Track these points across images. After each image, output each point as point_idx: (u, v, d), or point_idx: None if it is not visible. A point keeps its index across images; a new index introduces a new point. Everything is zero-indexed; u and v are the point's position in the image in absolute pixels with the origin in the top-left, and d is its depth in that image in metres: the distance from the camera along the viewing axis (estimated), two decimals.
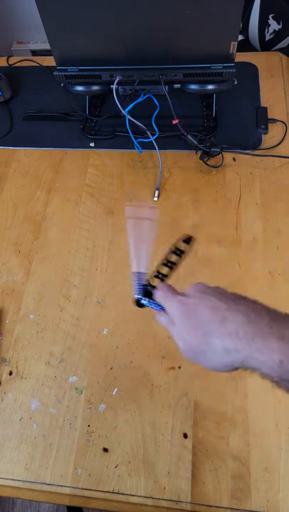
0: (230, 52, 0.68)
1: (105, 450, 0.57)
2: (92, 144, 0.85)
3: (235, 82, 0.75)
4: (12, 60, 1.01)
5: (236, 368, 0.34)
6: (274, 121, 0.83)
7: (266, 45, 1.03)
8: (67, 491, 0.55)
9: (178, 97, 0.78)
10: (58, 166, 0.84)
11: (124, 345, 0.64)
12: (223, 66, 0.70)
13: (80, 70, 0.74)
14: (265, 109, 0.84)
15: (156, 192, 0.77)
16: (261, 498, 0.52)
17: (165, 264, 0.44)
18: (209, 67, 0.71)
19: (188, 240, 0.45)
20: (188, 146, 0.78)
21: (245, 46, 1.09)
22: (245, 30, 1.06)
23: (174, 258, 0.45)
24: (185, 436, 0.57)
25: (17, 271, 0.72)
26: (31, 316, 0.68)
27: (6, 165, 0.85)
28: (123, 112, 0.72)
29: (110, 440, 0.57)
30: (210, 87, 0.75)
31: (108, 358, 0.63)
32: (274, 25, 0.98)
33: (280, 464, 0.54)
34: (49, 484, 0.56)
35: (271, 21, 0.98)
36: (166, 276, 0.44)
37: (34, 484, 0.56)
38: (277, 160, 0.78)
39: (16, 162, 0.85)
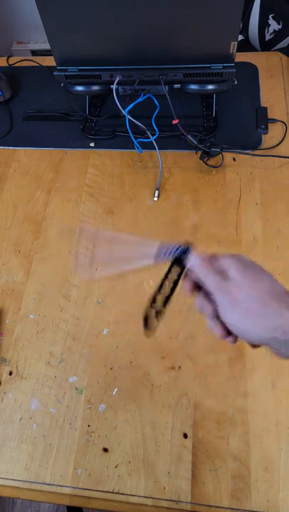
0: (230, 52, 0.68)
1: (105, 450, 0.57)
2: (92, 144, 0.85)
3: (235, 82, 0.75)
4: (12, 60, 1.01)
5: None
6: (274, 121, 0.83)
7: (266, 45, 1.03)
8: (67, 491, 0.55)
9: (178, 97, 0.77)
10: (58, 166, 0.84)
11: (124, 345, 0.64)
12: (223, 66, 0.70)
13: (80, 70, 0.74)
14: (265, 109, 0.84)
15: (156, 192, 0.77)
16: (261, 498, 0.52)
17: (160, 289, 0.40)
18: (209, 67, 0.71)
19: (182, 255, 0.40)
20: (188, 146, 0.78)
21: (245, 46, 1.09)
22: (245, 30, 1.06)
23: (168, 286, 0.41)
24: (185, 436, 0.57)
25: (17, 271, 0.72)
26: (31, 316, 0.68)
27: (6, 165, 0.85)
28: (123, 112, 0.72)
29: (110, 440, 0.57)
30: (210, 87, 0.75)
31: (108, 358, 0.63)
32: (274, 25, 0.98)
33: (280, 464, 0.54)
34: (49, 484, 0.56)
35: (271, 21, 0.98)
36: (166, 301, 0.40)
37: (34, 484, 0.56)
38: (277, 160, 0.78)
39: (16, 162, 0.85)
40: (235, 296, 0.34)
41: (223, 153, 0.77)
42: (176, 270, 0.40)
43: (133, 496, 0.54)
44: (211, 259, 0.38)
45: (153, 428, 0.58)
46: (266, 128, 0.82)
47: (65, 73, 0.74)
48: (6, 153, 0.87)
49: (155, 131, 0.75)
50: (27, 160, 0.85)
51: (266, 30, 1.00)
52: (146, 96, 0.76)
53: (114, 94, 0.71)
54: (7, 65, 1.01)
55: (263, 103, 0.86)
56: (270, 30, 0.99)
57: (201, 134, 0.77)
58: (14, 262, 0.73)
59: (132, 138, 0.75)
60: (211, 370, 0.61)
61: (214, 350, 0.62)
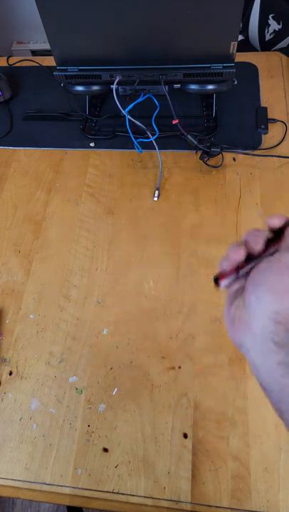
0: (230, 52, 0.68)
1: (105, 450, 0.57)
2: (92, 144, 0.85)
3: (235, 82, 0.75)
4: (12, 60, 1.01)
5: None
6: (274, 121, 0.83)
7: (266, 45, 1.03)
8: (67, 491, 0.55)
9: (178, 97, 0.77)
10: (58, 166, 0.84)
11: (124, 345, 0.64)
12: (223, 66, 0.70)
13: (80, 70, 0.74)
14: (265, 109, 0.84)
15: (156, 192, 0.77)
16: (261, 498, 0.52)
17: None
18: (209, 67, 0.71)
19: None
20: (188, 146, 0.78)
21: (245, 46, 1.09)
22: (245, 30, 1.06)
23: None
24: (185, 436, 0.57)
25: (17, 271, 0.72)
26: (31, 316, 0.68)
27: (6, 165, 0.85)
28: (123, 112, 0.72)
29: (110, 440, 0.57)
30: (210, 87, 0.75)
31: (108, 358, 0.63)
32: (274, 25, 0.98)
33: (280, 464, 0.54)
34: (49, 484, 0.56)
35: (271, 21, 0.98)
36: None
37: (34, 484, 0.56)
38: (277, 160, 0.78)
39: (16, 162, 0.85)
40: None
41: (223, 153, 0.77)
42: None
43: (133, 495, 0.54)
44: None
45: (153, 428, 0.58)
46: (266, 128, 0.82)
47: (65, 73, 0.74)
48: (6, 153, 0.87)
49: (155, 131, 0.75)
50: (27, 160, 0.85)
51: (266, 30, 1.00)
52: (146, 96, 0.76)
53: (114, 94, 0.71)
54: (7, 65, 1.01)
55: (263, 103, 0.86)
56: (270, 30, 0.99)
57: (201, 134, 0.77)
58: (14, 262, 0.73)
59: (132, 138, 0.75)
60: (211, 370, 0.61)
61: (214, 350, 0.62)
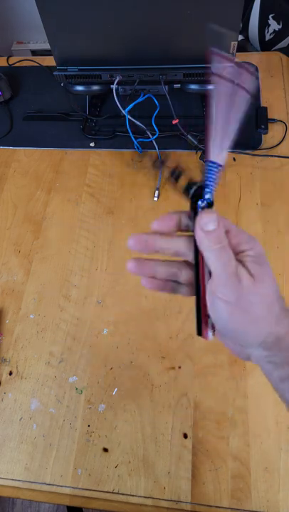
0: (230, 52, 0.68)
1: (105, 450, 0.57)
2: (92, 144, 0.85)
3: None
4: (12, 60, 1.01)
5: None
6: (274, 121, 0.83)
7: (266, 45, 1.03)
8: (67, 491, 0.55)
9: (178, 97, 0.78)
10: (58, 166, 0.84)
11: (124, 345, 0.64)
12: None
13: (80, 70, 0.74)
14: (265, 109, 0.84)
15: (156, 192, 0.77)
16: (261, 498, 0.52)
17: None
18: (209, 67, 0.70)
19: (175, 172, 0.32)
20: (188, 146, 0.78)
21: (245, 46, 1.09)
22: (245, 30, 1.06)
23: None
24: (185, 436, 0.57)
25: (17, 271, 0.72)
26: (31, 316, 0.68)
27: (6, 165, 0.85)
28: (123, 111, 0.72)
29: (110, 440, 0.57)
30: (210, 87, 0.75)
31: (108, 358, 0.63)
32: (274, 25, 0.98)
33: (280, 464, 0.54)
34: (49, 484, 0.56)
35: (271, 21, 0.98)
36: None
37: (34, 484, 0.56)
38: (278, 160, 0.78)
39: (16, 162, 0.85)
40: (246, 291, 0.28)
41: None
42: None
43: (133, 496, 0.54)
44: (227, 228, 0.30)
45: (153, 428, 0.58)
46: (266, 128, 0.82)
47: (65, 73, 0.74)
48: (6, 153, 0.87)
49: (155, 131, 0.75)
50: (27, 160, 0.85)
51: (266, 30, 1.00)
52: (146, 96, 0.76)
53: (114, 94, 0.71)
54: (7, 65, 1.01)
55: (263, 103, 0.86)
56: (270, 30, 0.99)
57: (201, 134, 0.77)
58: (14, 262, 0.73)
59: (132, 138, 0.75)
60: (211, 370, 0.61)
61: (214, 350, 0.62)
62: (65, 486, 0.56)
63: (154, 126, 0.75)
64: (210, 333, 0.31)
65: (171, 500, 0.53)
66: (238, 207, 0.74)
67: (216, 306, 0.29)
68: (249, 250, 0.29)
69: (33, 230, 0.76)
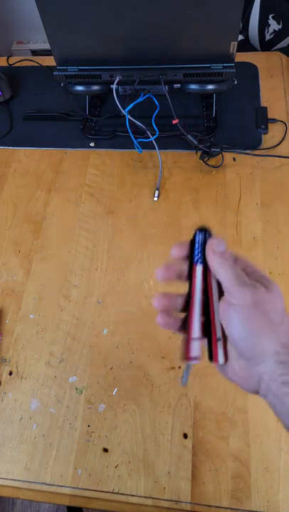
0: (230, 52, 0.68)
1: (105, 450, 0.57)
2: (92, 144, 0.85)
3: (235, 82, 0.75)
4: (12, 60, 1.01)
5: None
6: (274, 121, 0.83)
7: (266, 45, 1.03)
8: (67, 491, 0.55)
9: (178, 97, 0.78)
10: (58, 166, 0.84)
11: (124, 345, 0.64)
12: (223, 66, 0.70)
13: (80, 69, 0.74)
14: (265, 109, 0.84)
15: (156, 192, 0.77)
16: (261, 498, 0.52)
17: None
18: (209, 67, 0.71)
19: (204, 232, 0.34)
20: (188, 146, 0.78)
21: (245, 46, 1.09)
22: (245, 30, 1.06)
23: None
24: (185, 436, 0.57)
25: (17, 271, 0.72)
26: (31, 316, 0.68)
27: (6, 165, 0.85)
28: (123, 111, 0.72)
29: (110, 440, 0.57)
30: (210, 87, 0.75)
31: (108, 358, 0.63)
32: (274, 25, 0.98)
33: (280, 464, 0.54)
34: (49, 484, 0.56)
35: (271, 21, 0.98)
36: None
37: (34, 484, 0.56)
38: (278, 160, 0.78)
39: (16, 162, 0.85)
40: (261, 297, 0.30)
41: (223, 153, 0.77)
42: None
43: (133, 496, 0.54)
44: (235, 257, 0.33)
45: (153, 428, 0.58)
46: (266, 128, 0.82)
47: (65, 73, 0.74)
48: (6, 153, 0.87)
49: (155, 131, 0.75)
50: (27, 160, 0.85)
51: (266, 30, 1.00)
52: (146, 96, 0.76)
53: (114, 94, 0.71)
54: (7, 65, 1.01)
55: (263, 103, 0.86)
56: (270, 30, 0.99)
57: (201, 134, 0.77)
58: (14, 262, 0.73)
59: (132, 138, 0.75)
60: (211, 370, 0.60)
61: None
62: (65, 486, 0.56)
63: (154, 126, 0.75)
64: (221, 356, 0.32)
65: (171, 500, 0.53)
66: (238, 207, 0.74)
67: (232, 315, 0.31)
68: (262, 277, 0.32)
69: (33, 230, 0.76)
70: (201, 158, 0.78)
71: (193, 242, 0.34)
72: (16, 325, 0.67)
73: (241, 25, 1.05)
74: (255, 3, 0.99)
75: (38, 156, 0.86)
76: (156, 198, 0.77)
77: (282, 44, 0.99)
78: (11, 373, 0.64)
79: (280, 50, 0.99)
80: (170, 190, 0.77)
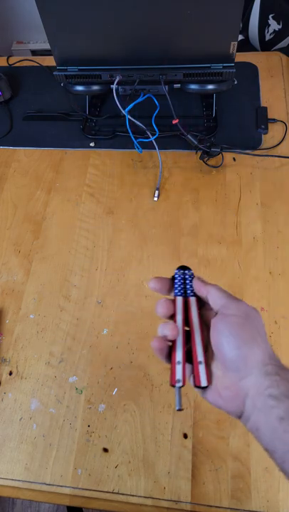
0: (230, 52, 0.68)
1: (105, 450, 0.57)
2: (92, 144, 0.85)
3: (235, 82, 0.75)
4: (12, 60, 1.01)
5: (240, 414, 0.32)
6: (274, 121, 0.83)
7: (266, 45, 1.03)
8: (67, 491, 0.55)
9: (178, 97, 0.78)
10: (58, 166, 0.84)
11: (124, 345, 0.64)
12: (223, 66, 0.70)
13: (80, 69, 0.74)
14: (265, 109, 0.84)
15: (156, 192, 0.77)
16: (261, 498, 0.52)
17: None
18: (209, 67, 0.71)
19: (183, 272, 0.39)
20: (188, 146, 0.78)
21: (245, 46, 1.09)
22: (245, 30, 1.06)
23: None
24: (185, 436, 0.57)
25: (17, 271, 0.72)
26: (31, 316, 0.68)
27: (6, 165, 0.85)
28: (123, 111, 0.72)
29: (110, 440, 0.57)
30: (210, 87, 0.75)
31: (108, 358, 0.63)
32: (274, 25, 0.98)
33: None
34: (49, 484, 0.56)
35: (271, 21, 0.98)
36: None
37: (34, 484, 0.56)
38: (278, 160, 0.78)
39: (16, 162, 0.85)
40: (251, 310, 0.33)
41: (223, 153, 0.77)
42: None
43: (133, 496, 0.54)
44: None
45: (153, 428, 0.58)
46: (266, 128, 0.82)
47: (65, 73, 0.74)
48: (6, 153, 0.87)
49: (155, 131, 0.75)
50: (27, 160, 0.85)
51: (266, 30, 1.00)
52: (146, 96, 0.76)
53: (114, 94, 0.71)
54: (7, 65, 1.01)
55: (263, 103, 0.86)
56: (270, 30, 0.99)
57: (201, 134, 0.77)
58: (14, 262, 0.73)
59: (132, 138, 0.75)
60: None
61: None
62: (65, 486, 0.56)
63: (154, 126, 0.75)
64: (203, 378, 0.33)
65: (171, 501, 0.53)
66: (238, 207, 0.74)
67: (223, 327, 0.33)
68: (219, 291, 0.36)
69: (33, 230, 0.76)
70: (201, 158, 0.78)
71: (173, 278, 0.39)
72: (16, 325, 0.67)
73: (241, 25, 1.05)
74: (255, 3, 0.99)
75: (38, 156, 0.86)
76: (156, 198, 0.77)
77: (282, 44, 0.99)
78: (11, 373, 0.64)
79: (280, 50, 0.99)
80: (170, 190, 0.77)
